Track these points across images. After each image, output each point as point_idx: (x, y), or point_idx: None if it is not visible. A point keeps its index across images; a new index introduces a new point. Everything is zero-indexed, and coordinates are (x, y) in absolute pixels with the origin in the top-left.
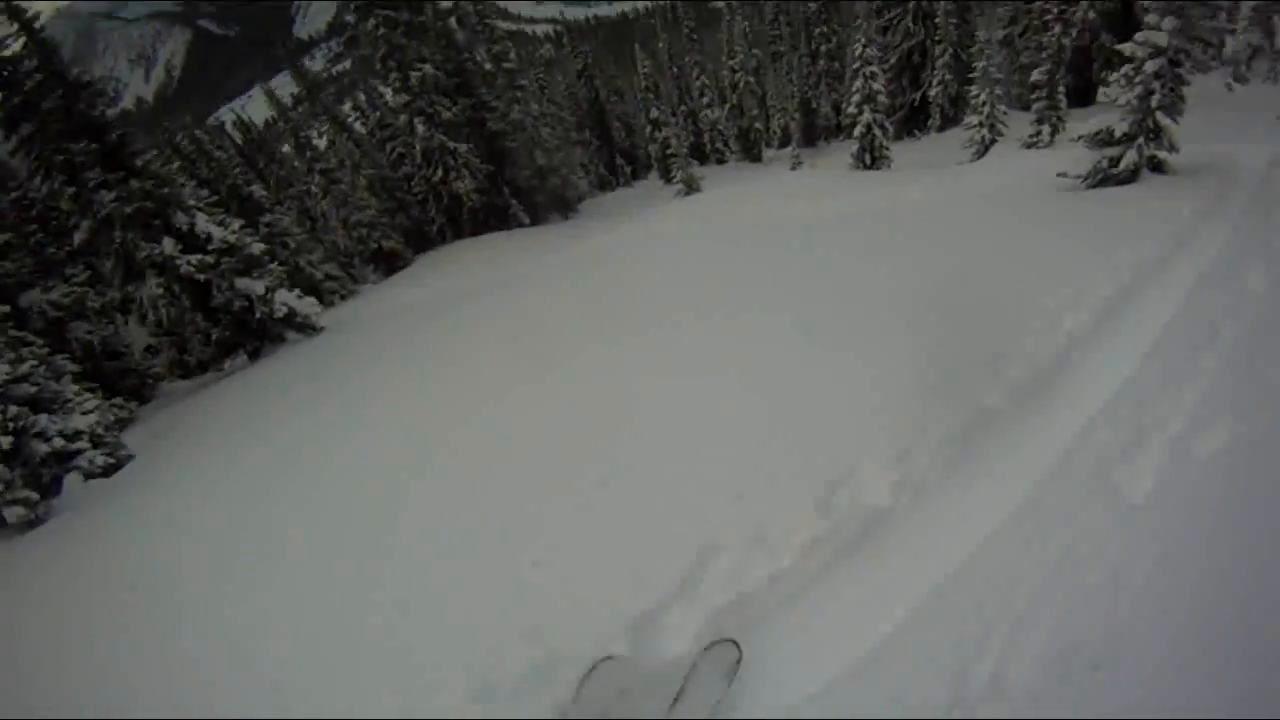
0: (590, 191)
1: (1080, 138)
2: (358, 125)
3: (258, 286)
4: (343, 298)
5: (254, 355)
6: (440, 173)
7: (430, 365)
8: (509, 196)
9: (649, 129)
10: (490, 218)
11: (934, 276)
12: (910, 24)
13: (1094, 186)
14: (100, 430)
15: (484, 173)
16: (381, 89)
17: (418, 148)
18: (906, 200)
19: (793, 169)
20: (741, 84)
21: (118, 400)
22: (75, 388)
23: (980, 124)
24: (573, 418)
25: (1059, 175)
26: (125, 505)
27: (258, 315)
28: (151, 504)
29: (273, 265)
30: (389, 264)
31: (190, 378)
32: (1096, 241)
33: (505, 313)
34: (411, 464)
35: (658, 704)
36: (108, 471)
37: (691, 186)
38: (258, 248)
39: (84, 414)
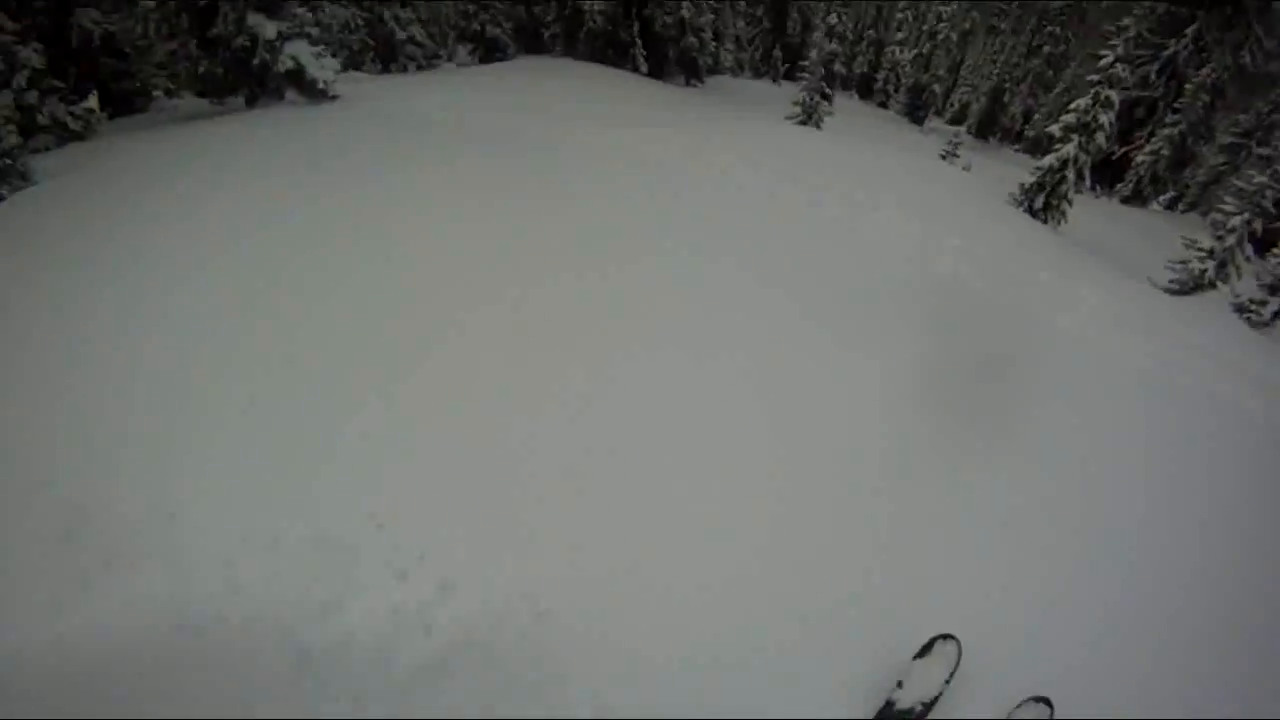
0: (734, 69)
1: None
2: None
3: (269, 29)
4: (420, 67)
5: (250, 102)
6: None
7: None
8: (636, 35)
9: (821, 32)
10: (609, 48)
11: None
12: (1154, 74)
13: None
14: None
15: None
16: None
17: None
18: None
19: (944, 157)
20: (942, 36)
21: (77, 108)
22: None
23: (1211, 254)
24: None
25: None
26: None
27: (256, 60)
28: None
29: (301, 10)
30: (488, 49)
31: (206, 96)
32: None
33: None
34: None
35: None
36: None
37: (811, 117)
38: None
39: None
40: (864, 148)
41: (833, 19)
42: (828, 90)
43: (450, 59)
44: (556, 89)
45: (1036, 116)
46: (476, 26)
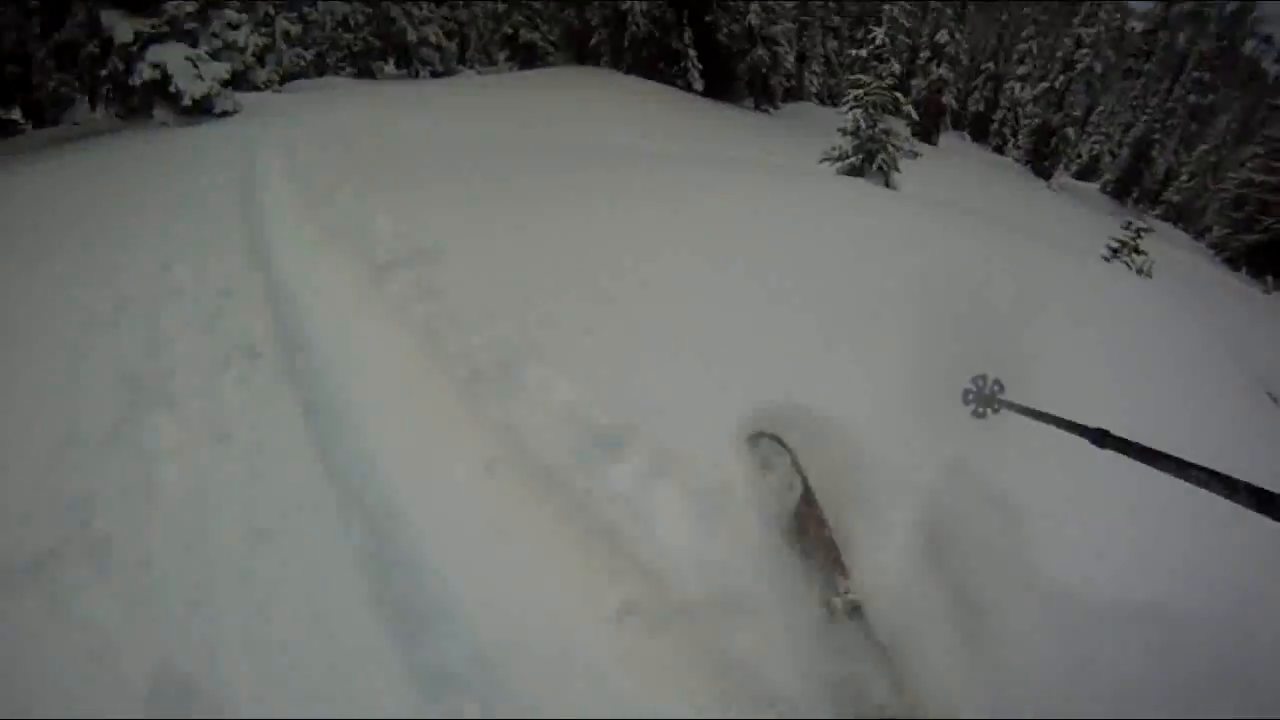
0: (821, 95)
1: None
2: None
3: (124, 30)
4: (435, 74)
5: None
6: None
7: None
8: (689, 44)
9: (926, 55)
10: (660, 60)
11: None
12: None
13: None
14: None
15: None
16: None
17: None
18: None
19: (1115, 253)
20: (1083, 65)
21: None
22: None
23: None
24: None
25: None
26: None
27: (105, 70)
28: None
29: (172, 4)
30: (526, 55)
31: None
32: None
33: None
34: None
35: None
36: None
37: (873, 160)
38: None
39: None
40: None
41: (942, 36)
42: (903, 104)
43: (473, 65)
44: (554, 109)
45: (1181, 178)
46: (508, 30)
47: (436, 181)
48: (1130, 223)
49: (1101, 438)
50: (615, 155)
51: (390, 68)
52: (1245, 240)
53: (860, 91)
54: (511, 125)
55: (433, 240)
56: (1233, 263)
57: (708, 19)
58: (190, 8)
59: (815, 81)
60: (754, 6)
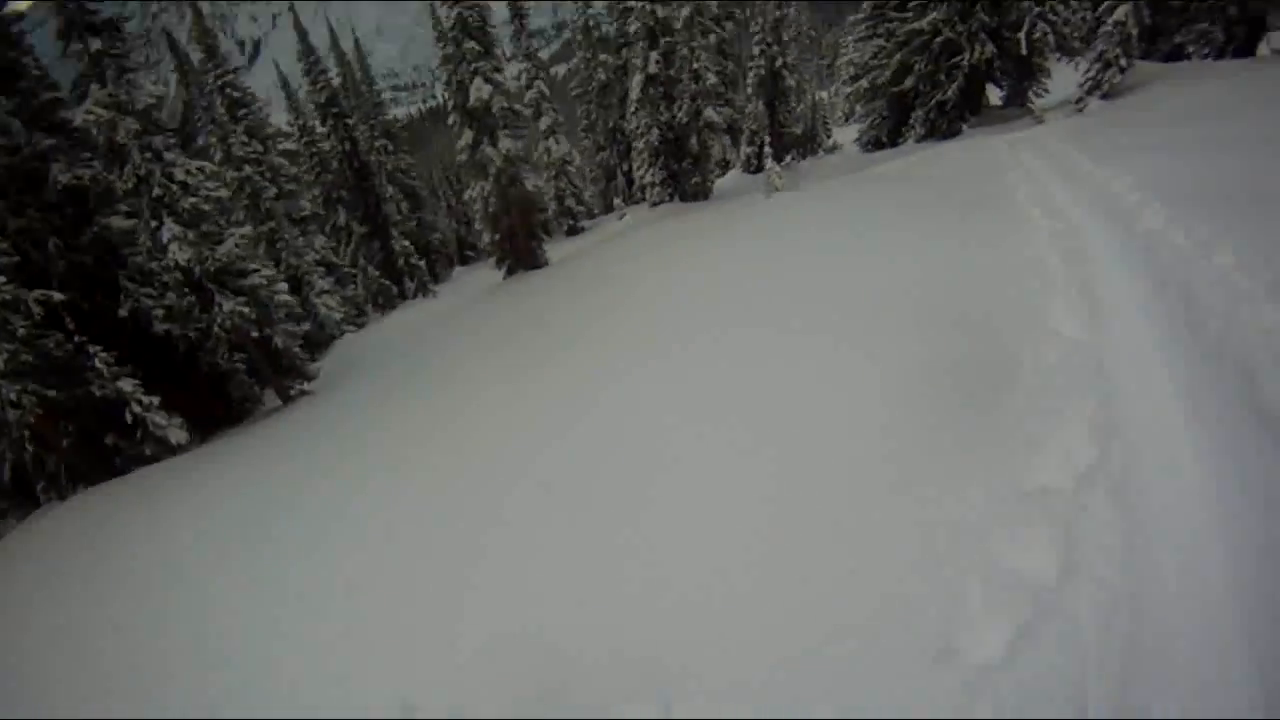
0: (352, 320)
1: None
2: None
3: None
4: None
5: None
6: None
7: None
8: (113, 376)
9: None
10: (98, 435)
11: None
12: None
13: None
14: None
15: (44, 310)
16: None
17: None
18: None
19: None
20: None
21: None
22: None
23: None
24: None
25: None
26: None
27: None
28: None
29: None
30: None
31: None
32: None
33: None
34: None
35: None
36: None
37: None
38: None
39: None
40: None
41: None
42: None
43: None
44: None
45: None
46: None
47: None
48: None
49: None
50: None
51: None
52: None
53: None
54: None
55: None
56: None
57: (122, 313)
58: None
59: (334, 299)
60: (174, 230)
